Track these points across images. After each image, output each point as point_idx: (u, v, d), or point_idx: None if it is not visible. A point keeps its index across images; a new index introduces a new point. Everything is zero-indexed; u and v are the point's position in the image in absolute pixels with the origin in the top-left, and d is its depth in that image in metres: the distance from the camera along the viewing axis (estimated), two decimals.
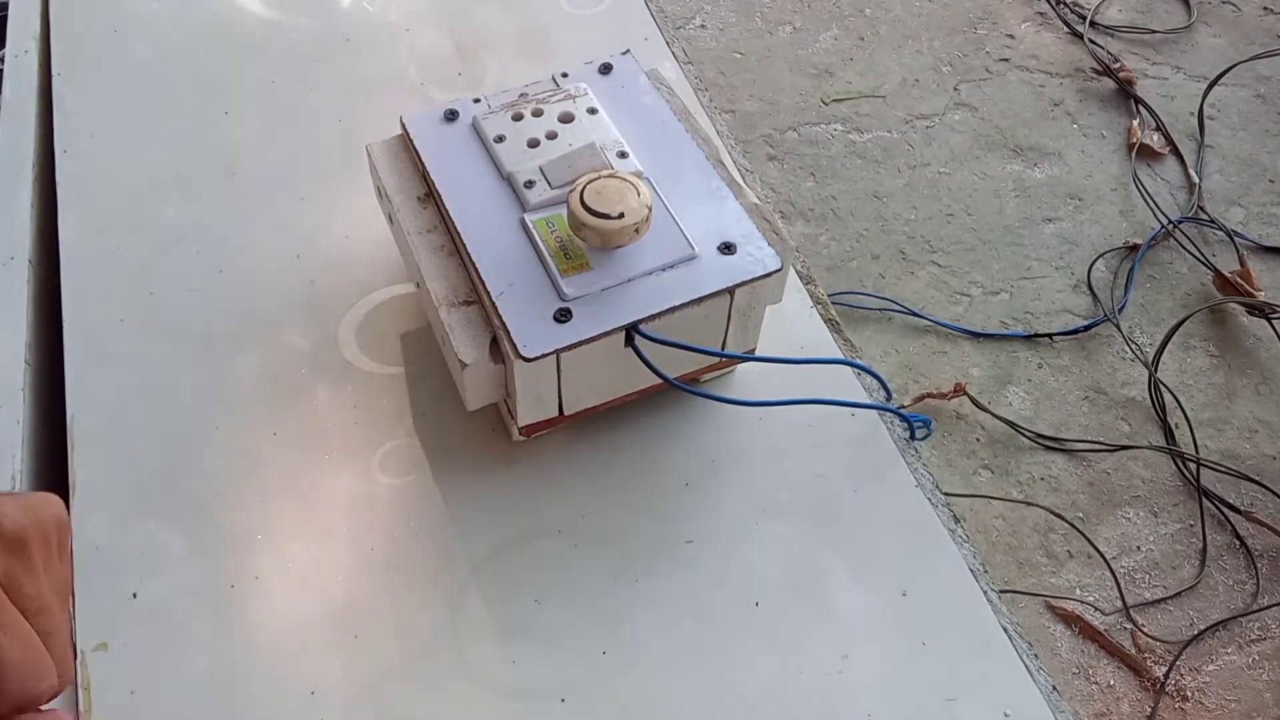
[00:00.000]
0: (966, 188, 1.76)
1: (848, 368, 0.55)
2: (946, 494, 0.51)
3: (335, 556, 0.47)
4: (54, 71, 0.67)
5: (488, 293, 0.45)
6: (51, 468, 0.52)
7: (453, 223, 0.48)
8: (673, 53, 0.69)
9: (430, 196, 0.50)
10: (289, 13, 0.71)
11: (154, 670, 0.44)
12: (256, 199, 0.61)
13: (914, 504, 0.50)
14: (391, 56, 0.69)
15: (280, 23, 0.71)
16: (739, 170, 0.62)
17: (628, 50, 0.55)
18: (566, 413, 0.49)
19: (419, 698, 0.44)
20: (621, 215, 0.44)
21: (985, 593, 0.47)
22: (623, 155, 0.50)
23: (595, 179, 0.46)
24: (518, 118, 0.51)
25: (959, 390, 1.46)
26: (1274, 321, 1.55)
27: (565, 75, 0.54)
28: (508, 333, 0.44)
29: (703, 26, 1.99)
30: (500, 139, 0.51)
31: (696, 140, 0.52)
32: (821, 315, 0.57)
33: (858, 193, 1.74)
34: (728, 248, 0.47)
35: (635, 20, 0.72)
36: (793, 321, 0.56)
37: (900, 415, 0.52)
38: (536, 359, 0.43)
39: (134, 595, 0.46)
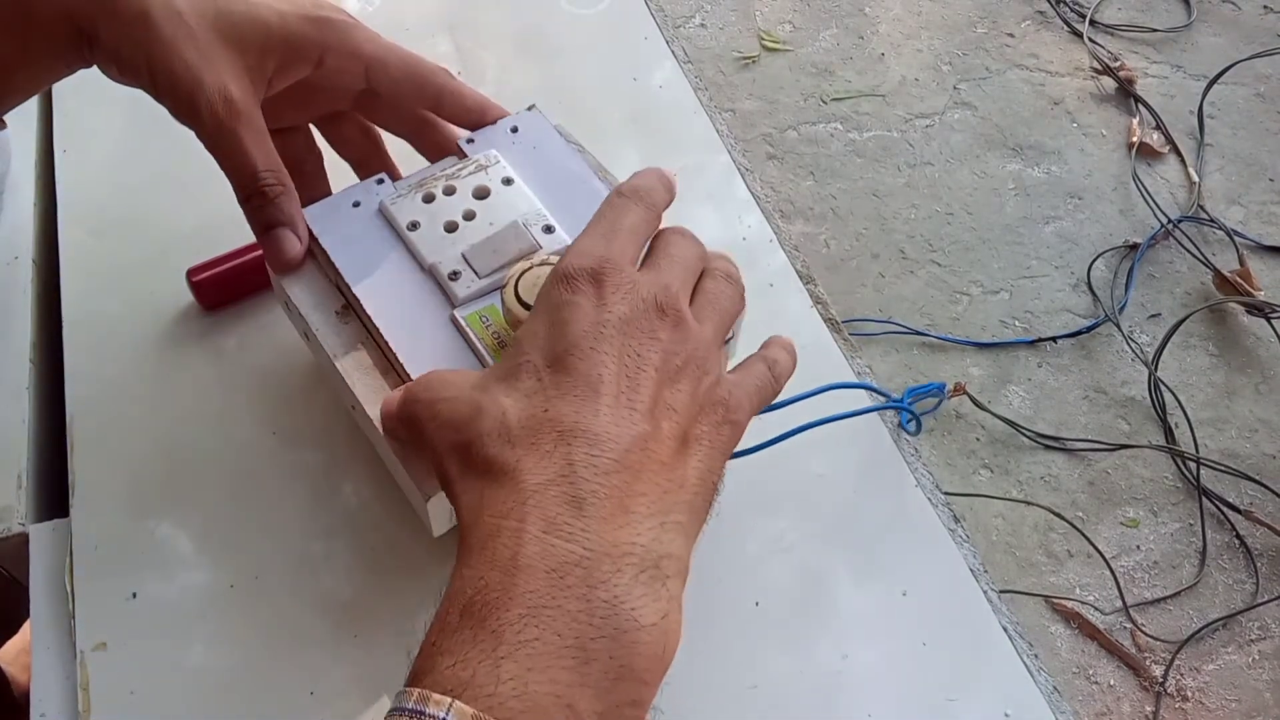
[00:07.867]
0: (966, 187, 1.76)
1: (848, 367, 0.55)
2: (946, 494, 0.51)
3: (335, 556, 0.47)
4: None
5: None
6: (52, 467, 0.52)
7: (379, 333, 0.43)
8: (673, 52, 0.69)
9: (349, 308, 0.45)
10: None
11: (154, 670, 0.44)
12: None
13: (914, 504, 0.50)
14: None
15: None
16: (739, 169, 0.62)
17: (533, 105, 0.51)
18: None
19: None
20: None
21: (985, 592, 0.48)
22: (549, 230, 0.45)
23: (528, 269, 0.42)
24: (429, 199, 0.46)
25: (959, 390, 1.47)
26: (1274, 321, 1.55)
27: (471, 141, 0.49)
28: None
29: (703, 26, 1.99)
30: (414, 226, 0.45)
31: None
32: (821, 315, 0.57)
33: (857, 192, 1.75)
34: None
35: (635, 20, 0.71)
36: (793, 321, 0.56)
37: (902, 407, 0.52)
38: None
39: (133, 595, 0.46)
